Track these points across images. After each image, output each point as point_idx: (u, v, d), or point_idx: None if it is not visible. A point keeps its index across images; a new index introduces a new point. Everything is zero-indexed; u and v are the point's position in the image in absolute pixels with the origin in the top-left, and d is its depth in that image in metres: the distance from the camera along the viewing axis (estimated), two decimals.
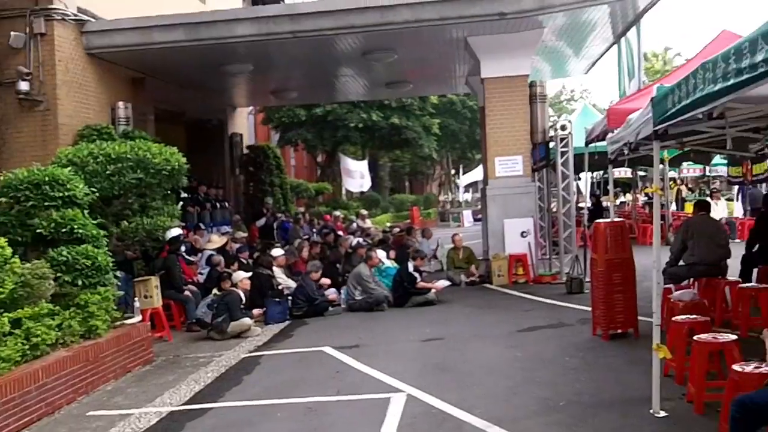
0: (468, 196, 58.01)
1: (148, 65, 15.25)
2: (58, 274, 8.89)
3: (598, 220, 10.01)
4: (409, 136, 28.42)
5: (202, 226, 17.87)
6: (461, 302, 13.28)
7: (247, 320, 11.72)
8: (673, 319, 7.39)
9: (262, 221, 20.05)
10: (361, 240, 17.74)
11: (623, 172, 27.54)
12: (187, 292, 13.02)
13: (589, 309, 10.15)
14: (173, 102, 17.69)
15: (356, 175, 32.97)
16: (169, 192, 14.87)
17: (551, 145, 15.58)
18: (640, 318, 9.36)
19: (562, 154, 15.05)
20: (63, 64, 12.88)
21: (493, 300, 13.39)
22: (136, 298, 11.71)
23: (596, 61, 19.57)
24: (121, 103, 14.85)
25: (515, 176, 15.32)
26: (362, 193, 37.39)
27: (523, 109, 15.26)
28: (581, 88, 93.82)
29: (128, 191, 11.39)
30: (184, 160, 11.68)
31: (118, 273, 12.34)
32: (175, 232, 13.78)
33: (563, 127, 15.09)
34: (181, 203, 17.89)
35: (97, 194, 10.65)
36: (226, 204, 20.42)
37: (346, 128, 26.66)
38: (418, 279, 13.19)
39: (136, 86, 15.86)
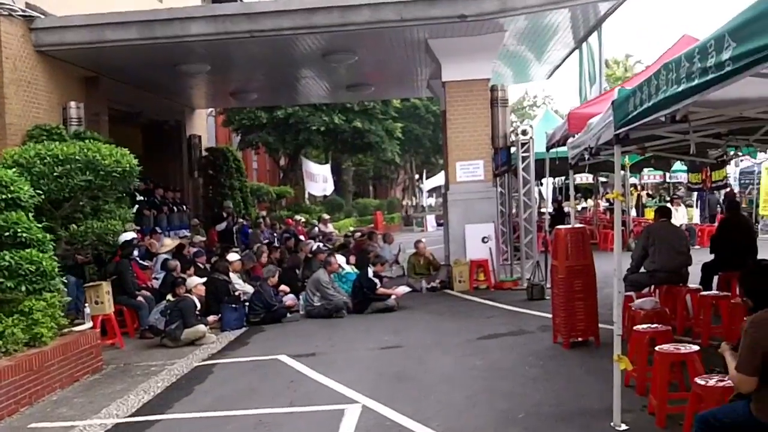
0: (432, 201, 57.95)
1: (101, 64, 14.83)
2: (0, 280, 8.51)
3: (558, 227, 9.86)
4: (371, 140, 28.20)
5: (159, 230, 17.45)
6: (422, 309, 13.08)
7: (201, 327, 11.40)
8: (635, 328, 7.25)
9: (222, 225, 19.67)
10: (321, 245, 17.47)
11: (584, 178, 27.63)
12: (140, 298, 12.67)
13: (550, 316, 10.02)
14: (128, 102, 17.28)
15: (319, 179, 32.64)
16: (123, 195, 14.56)
17: (512, 150, 15.49)
18: (601, 326, 9.22)
19: (524, 159, 14.96)
20: (10, 61, 12.43)
21: (454, 306, 13.21)
22: (86, 304, 11.36)
23: (558, 66, 19.57)
24: (73, 103, 14.41)
25: (476, 181, 15.18)
26: (325, 197, 37.08)
27: (485, 114, 15.13)
28: (544, 94, 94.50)
29: (78, 193, 10.98)
30: (135, 161, 11.32)
31: (68, 278, 12.13)
32: (128, 236, 13.42)
33: (524, 132, 15.00)
34: (136, 206, 17.59)
35: (44, 196, 10.28)
36: (184, 207, 20.03)
37: (308, 131, 26.35)
38: (378, 285, 12.96)
39: (89, 85, 15.43)
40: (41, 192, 9.82)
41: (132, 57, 14.21)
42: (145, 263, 14.14)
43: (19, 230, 8.77)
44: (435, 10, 12.88)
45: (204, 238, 19.26)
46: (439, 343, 10.08)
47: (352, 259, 15.20)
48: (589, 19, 14.62)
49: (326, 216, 25.42)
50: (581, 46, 18.45)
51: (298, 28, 12.92)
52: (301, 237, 22.41)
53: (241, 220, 20.98)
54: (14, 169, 9.67)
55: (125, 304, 12.54)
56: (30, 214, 9.21)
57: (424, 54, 15.85)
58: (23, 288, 8.64)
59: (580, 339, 9.20)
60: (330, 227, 24.99)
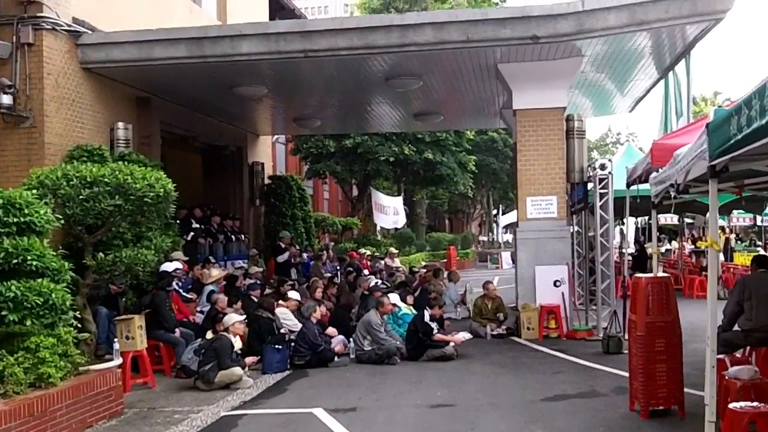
0: (508, 237, 56.33)
1: (152, 83, 14.23)
2: (3, 312, 7.69)
3: (638, 275, 8.46)
4: (443, 172, 27.09)
5: (213, 260, 16.67)
6: (483, 359, 11.79)
7: (237, 370, 10.42)
8: (730, 406, 5.87)
9: (284, 256, 18.79)
10: (379, 282, 16.34)
11: (669, 218, 25.89)
12: (177, 333, 11.78)
13: (627, 374, 8.64)
14: (184, 126, 16.65)
15: (389, 211, 31.64)
16: (170, 221, 13.83)
17: (590, 186, 14.13)
18: (686, 391, 7.84)
19: (601, 196, 13.56)
20: (52, 77, 11.84)
21: (519, 357, 11.86)
22: (115, 339, 10.53)
23: (641, 98, 18.10)
24: (121, 124, 13.79)
25: (549, 218, 13.87)
26: (396, 230, 36.05)
27: (559, 145, 13.84)
28: (628, 131, 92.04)
29: (109, 219, 10.18)
30: (172, 186, 10.47)
31: (99, 309, 11.37)
32: (169, 266, 12.64)
33: (603, 167, 13.61)
34: (191, 234, 16.89)
35: (70, 221, 9.53)
36: (243, 236, 19.24)
37: (376, 161, 25.44)
38: (435, 330, 11.75)
39: (140, 106, 14.83)
40: (59, 216, 8.98)
41: (183, 76, 13.54)
42: (188, 296, 13.29)
43: (29, 257, 7.96)
44: (505, 30, 11.73)
45: (261, 269, 18.45)
46: (495, 404, 8.79)
47: (410, 299, 14.00)
48: (676, 45, 13.19)
49: (393, 250, 24.34)
50: (667, 78, 16.99)
51: (354, 48, 11.93)
52: (365, 271, 21.43)
53: (296, 250, 20.05)
54: (36, 191, 8.91)
55: (161, 339, 11.72)
56: (45, 241, 8.40)
57: (495, 80, 14.72)
58: (28, 322, 7.79)
59: (661, 407, 7.80)
60: (396, 262, 23.88)
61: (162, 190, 10.28)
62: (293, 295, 13.52)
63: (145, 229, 12.91)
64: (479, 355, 12.10)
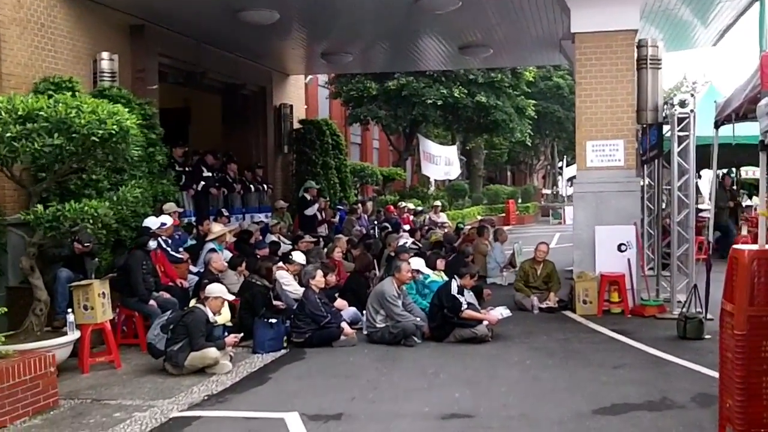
0: (572, 190, 53.25)
1: (146, 8, 12.16)
2: None
3: (738, 246, 5.89)
4: (498, 117, 24.40)
5: (225, 213, 14.64)
6: (524, 342, 9.45)
7: (211, 351, 8.35)
8: None
9: (313, 209, 16.65)
10: (408, 241, 14.04)
11: (750, 172, 22.89)
12: (153, 302, 9.76)
13: (713, 373, 6.29)
14: (188, 59, 14.48)
15: (440, 161, 29.17)
16: (163, 168, 11.89)
17: (665, 129, 11.50)
18: None
19: (680, 140, 10.91)
20: None
21: (570, 341, 9.46)
22: (69, 310, 8.58)
23: (730, 26, 15.11)
24: (105, 54, 11.73)
25: (614, 167, 11.37)
26: (449, 181, 33.61)
27: (628, 77, 11.23)
28: (704, 79, 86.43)
29: (53, 162, 8.15)
30: (131, 123, 8.36)
31: (58, 272, 9.44)
32: (152, 221, 10.59)
33: (683, 104, 10.91)
34: (202, 184, 14.87)
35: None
36: (265, 187, 17.13)
37: (423, 105, 22.93)
38: (465, 304, 9.40)
39: (134, 36, 12.77)
40: None
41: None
42: (177, 255, 11.24)
43: None
44: None
45: (287, 224, 16.41)
46: (529, 417, 6.46)
47: (441, 263, 11.66)
48: None
49: (438, 203, 21.94)
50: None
51: None
52: (406, 227, 19.19)
53: (326, 203, 17.92)
54: None
55: (135, 308, 9.76)
56: None
57: (551, 1, 12.10)
58: None
59: None
60: (442, 217, 21.54)
61: (116, 127, 8.15)
62: (297, 257, 11.38)
63: (128, 177, 11.03)
64: (520, 336, 9.77)
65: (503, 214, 37.50)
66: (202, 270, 11.26)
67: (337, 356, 9.00)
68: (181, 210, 12.14)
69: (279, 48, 16.24)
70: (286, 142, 18.87)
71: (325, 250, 13.20)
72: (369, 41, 15.86)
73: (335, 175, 19.56)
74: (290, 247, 14.01)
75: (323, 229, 17.66)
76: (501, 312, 9.61)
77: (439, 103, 22.90)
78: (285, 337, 9.53)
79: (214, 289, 8.78)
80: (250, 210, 16.53)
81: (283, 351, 9.38)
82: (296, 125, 19.21)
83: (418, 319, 9.57)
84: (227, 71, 16.04)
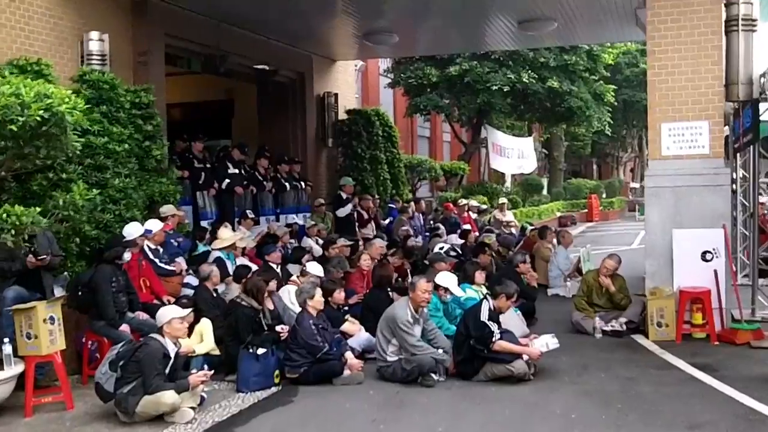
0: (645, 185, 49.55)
1: None
2: None
3: None
4: (572, 104, 21.97)
5: (251, 214, 12.97)
6: (575, 383, 7.34)
7: (167, 396, 6.61)
8: None
9: (346, 209, 14.83)
10: (448, 246, 12.00)
11: None
12: (125, 327, 8.11)
13: None
14: (204, 41, 12.79)
15: (512, 154, 26.87)
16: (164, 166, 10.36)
17: (763, 107, 9.16)
18: None
19: None
20: None
21: (636, 383, 7.26)
22: (6, 341, 7.01)
23: None
24: (94, 34, 10.17)
25: (696, 156, 9.10)
26: (524, 176, 31.24)
27: (713, 42, 8.94)
28: None
29: None
30: (66, 108, 6.72)
31: (4, 292, 7.88)
32: (132, 229, 8.96)
33: None
34: (226, 182, 13.25)
35: None
36: (303, 184, 15.37)
37: (488, 92, 20.75)
38: (496, 334, 7.34)
39: (136, 13, 11.20)
40: None
41: None
42: (167, 267, 9.56)
43: None
44: None
45: (324, 226, 14.64)
46: None
47: (481, 275, 9.59)
48: None
49: (503, 200, 19.75)
50: None
51: None
52: (466, 227, 17.18)
53: (370, 201, 16.07)
54: None
55: (103, 334, 8.14)
56: None
57: None
58: None
59: None
60: (509, 215, 19.36)
61: (43, 113, 6.51)
62: (312, 268, 9.55)
63: (111, 175, 9.51)
64: (572, 372, 7.66)
65: (585, 210, 34.91)
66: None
67: (332, 399, 7.14)
68: (181, 214, 10.45)
69: (317, 28, 14.43)
70: (331, 135, 17.07)
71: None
72: (416, 18, 13.84)
73: (385, 170, 17.65)
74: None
75: (369, 231, 15.85)
76: (546, 342, 7.52)
77: (505, 90, 20.66)
78: (277, 372, 7.73)
79: (164, 313, 7.02)
80: (285, 210, 14.82)
81: (273, 389, 7.60)
82: (343, 116, 17.39)
83: (441, 351, 7.57)
84: (255, 56, 14.31)
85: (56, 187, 8.66)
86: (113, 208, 9.35)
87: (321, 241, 13.53)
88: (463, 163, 23.92)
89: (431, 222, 17.41)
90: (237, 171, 13.53)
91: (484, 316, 7.33)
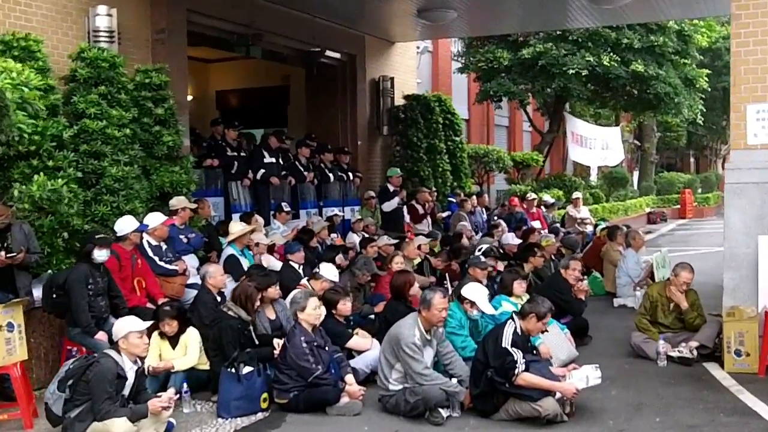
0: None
1: None
2: None
3: None
4: (660, 90, 19.95)
5: (287, 207, 11.89)
6: (622, 429, 5.85)
7: (117, 425, 5.51)
8: None
9: (392, 203, 13.54)
10: (483, 245, 10.51)
11: None
12: (102, 334, 7.09)
13: None
14: (232, 18, 11.68)
15: (594, 144, 24.97)
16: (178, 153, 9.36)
17: None
18: None
19: None
20: None
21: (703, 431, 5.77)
22: None
23: None
24: (101, 8, 9.23)
25: None
26: (609, 168, 29.15)
27: None
28: None
29: None
30: (29, 90, 5.70)
31: None
32: (125, 223, 7.95)
33: None
34: (261, 172, 12.20)
35: None
36: (351, 175, 14.19)
37: (564, 76, 19.02)
38: (520, 365, 5.89)
39: None
40: None
41: None
42: (168, 266, 8.49)
43: None
44: None
45: (373, 221, 13.45)
46: None
47: (520, 286, 8.12)
48: None
49: (577, 194, 18.03)
50: None
51: None
52: (535, 224, 15.70)
53: (427, 194, 14.76)
54: None
55: (80, 342, 7.17)
56: None
57: None
58: None
59: None
60: (583, 211, 17.69)
61: None
62: (326, 270, 8.30)
63: (108, 163, 8.55)
64: (620, 413, 6.15)
65: (677, 206, 32.53)
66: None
67: None
68: (193, 206, 9.38)
69: (367, 5, 13.20)
70: (386, 122, 15.80)
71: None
72: None
73: (445, 160, 16.25)
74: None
75: (425, 227, 14.56)
76: (587, 376, 6.05)
77: (584, 74, 18.88)
78: (265, 395, 6.54)
79: (120, 326, 5.91)
80: (329, 203, 13.68)
81: (260, 415, 6.42)
82: (401, 102, 16.07)
83: (455, 381, 6.21)
84: (296, 35, 13.12)
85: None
86: (110, 199, 8.41)
87: (366, 236, 12.39)
88: (536, 154, 22.20)
89: (494, 218, 15.94)
90: (273, 160, 12.47)
91: (506, 341, 5.91)
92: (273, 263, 10.06)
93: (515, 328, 6.05)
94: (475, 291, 7.01)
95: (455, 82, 24.96)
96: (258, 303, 7.08)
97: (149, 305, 7.86)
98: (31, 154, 7.70)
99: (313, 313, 6.52)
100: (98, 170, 8.43)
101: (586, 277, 12.19)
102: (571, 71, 18.83)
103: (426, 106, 16.08)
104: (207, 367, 7.07)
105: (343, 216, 13.58)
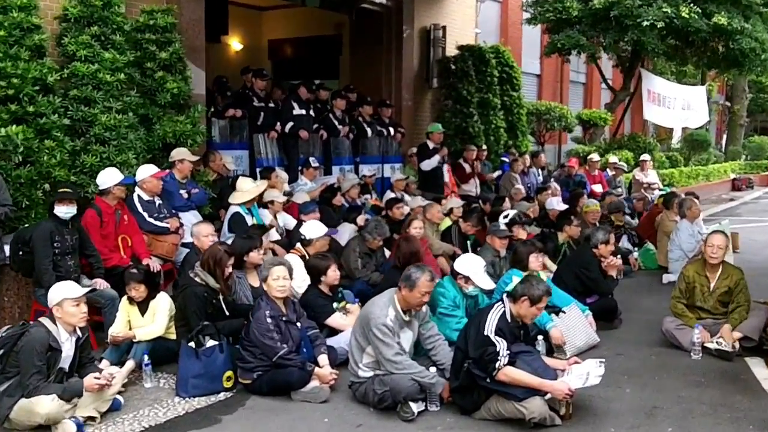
0: None
1: None
2: None
3: None
4: (744, 45, 18.18)
5: (315, 163, 11.19)
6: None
7: (43, 403, 5.03)
8: None
9: (431, 162, 12.61)
10: (509, 213, 9.43)
11: None
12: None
13: None
14: None
15: (673, 104, 23.18)
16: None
17: None
18: None
19: None
20: None
21: None
22: None
23: None
24: None
25: None
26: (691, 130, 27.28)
27: None
28: None
29: None
30: None
31: None
32: (108, 176, 7.35)
33: None
34: (289, 125, 11.48)
35: None
36: (392, 131, 13.32)
37: (638, 29, 17.47)
38: (503, 357, 4.92)
39: None
40: None
41: None
42: (158, 223, 7.88)
43: None
44: None
45: (414, 179, 12.65)
46: None
47: (536, 260, 7.11)
48: None
49: (646, 157, 16.64)
50: None
51: None
52: (596, 188, 14.59)
53: (474, 152, 13.80)
54: None
55: (44, 304, 6.56)
56: None
57: None
58: None
59: None
60: (651, 175, 16.36)
61: None
62: (308, 230, 7.53)
63: (99, 110, 7.94)
64: (627, 418, 5.19)
65: (766, 172, 30.44)
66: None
67: (273, 424, 5.18)
68: (194, 159, 8.70)
69: None
70: (436, 74, 14.79)
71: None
72: None
73: (499, 117, 15.16)
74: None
75: (472, 187, 13.64)
76: (587, 373, 5.11)
77: (660, 26, 17.29)
78: (229, 374, 5.85)
79: (54, 292, 5.30)
80: (366, 160, 12.89)
81: (222, 395, 5.76)
82: (452, 53, 15.00)
83: (433, 370, 5.36)
84: None
85: (21, 123, 7.24)
86: (100, 149, 7.81)
87: (408, 198, 11.60)
88: (604, 112, 20.71)
89: (551, 180, 14.82)
90: (303, 112, 11.70)
91: (489, 328, 5.02)
92: (290, 222, 9.42)
93: (503, 312, 5.15)
94: (469, 264, 6.11)
95: (526, 35, 23.48)
96: (230, 269, 6.35)
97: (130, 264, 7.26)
98: (10, 98, 7.16)
99: (274, 284, 5.74)
100: (88, 118, 7.84)
101: (636, 249, 11.14)
102: (645, 23, 17.22)
103: (480, 57, 14.96)
104: (173, 335, 6.44)
105: (382, 174, 12.79)
